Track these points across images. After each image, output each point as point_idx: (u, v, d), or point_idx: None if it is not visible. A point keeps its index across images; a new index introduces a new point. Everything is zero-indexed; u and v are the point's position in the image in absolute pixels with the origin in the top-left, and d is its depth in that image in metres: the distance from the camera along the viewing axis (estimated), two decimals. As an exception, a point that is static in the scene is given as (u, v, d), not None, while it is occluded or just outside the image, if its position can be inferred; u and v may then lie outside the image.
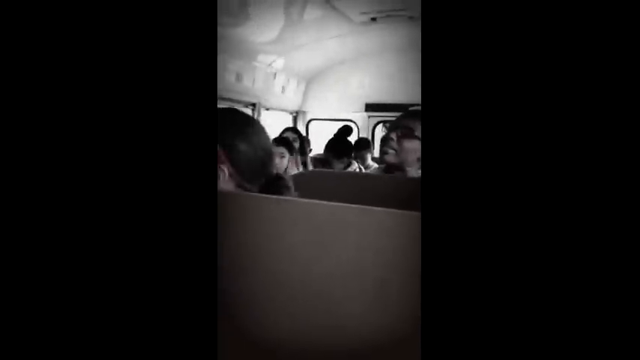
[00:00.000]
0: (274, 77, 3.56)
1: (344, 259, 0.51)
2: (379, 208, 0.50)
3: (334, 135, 2.78)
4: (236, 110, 0.83)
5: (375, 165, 3.29)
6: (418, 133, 1.13)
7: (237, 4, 2.37)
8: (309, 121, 4.26)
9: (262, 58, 3.22)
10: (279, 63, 3.42)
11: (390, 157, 1.17)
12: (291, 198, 0.56)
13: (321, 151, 3.64)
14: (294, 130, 2.92)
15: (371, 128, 4.09)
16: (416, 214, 0.47)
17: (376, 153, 3.47)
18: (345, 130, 2.84)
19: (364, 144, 3.33)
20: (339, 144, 2.65)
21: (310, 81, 4.11)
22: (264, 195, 0.71)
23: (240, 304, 0.56)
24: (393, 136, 1.17)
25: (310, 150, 3.82)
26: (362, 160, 3.21)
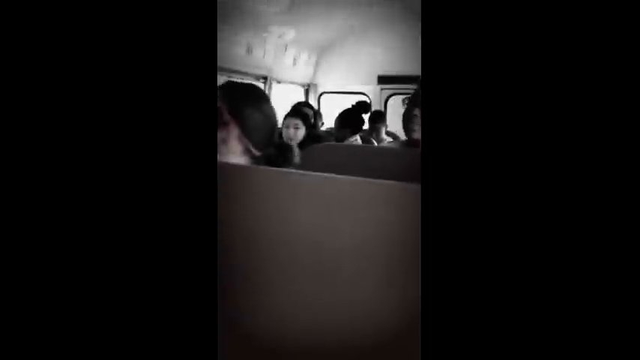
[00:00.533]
0: (285, 49, 3.51)
1: (347, 233, 0.50)
2: (383, 181, 0.49)
3: (351, 107, 2.71)
4: (241, 82, 0.86)
5: (389, 139, 3.26)
6: None
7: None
8: (321, 94, 4.21)
9: (273, 30, 3.17)
10: (290, 34, 3.36)
11: (418, 134, 1.17)
12: (294, 170, 0.55)
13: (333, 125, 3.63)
14: (307, 104, 2.89)
15: (383, 101, 4.04)
16: (417, 187, 0.46)
17: (390, 127, 3.43)
18: (363, 106, 2.78)
19: (378, 117, 3.29)
20: (355, 118, 2.61)
21: (322, 53, 4.05)
22: (265, 167, 0.71)
23: (241, 283, 0.56)
24: (417, 112, 1.16)
25: (322, 124, 3.80)
26: (376, 133, 3.18)
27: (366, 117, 2.88)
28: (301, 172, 0.54)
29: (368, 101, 3.03)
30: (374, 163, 0.81)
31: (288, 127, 2.33)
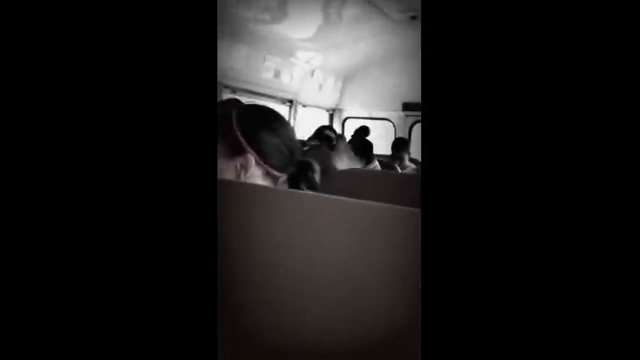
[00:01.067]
0: (312, 74, 3.58)
1: (343, 254, 0.50)
2: (381, 204, 0.49)
3: (351, 136, 2.77)
4: (254, 105, 0.86)
5: (413, 165, 3.25)
6: None
7: (276, 1, 2.40)
8: (346, 119, 4.26)
9: (300, 55, 3.24)
10: (316, 60, 3.43)
11: None
12: (293, 190, 0.56)
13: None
14: (329, 127, 2.92)
15: (408, 128, 4.05)
16: (416, 211, 0.46)
17: (414, 153, 3.43)
18: (362, 130, 2.82)
19: (402, 144, 3.30)
20: (359, 144, 2.65)
21: (347, 79, 4.11)
22: (263, 185, 0.73)
23: (240, 299, 0.56)
24: None
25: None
26: (400, 161, 3.18)
27: (388, 143, 2.91)
28: (296, 191, 0.55)
29: (389, 133, 3.06)
30: (391, 189, 0.82)
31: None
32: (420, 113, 3.93)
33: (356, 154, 2.57)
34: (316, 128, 2.85)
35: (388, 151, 3.27)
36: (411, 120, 4.03)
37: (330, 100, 4.07)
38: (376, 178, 0.89)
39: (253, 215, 0.54)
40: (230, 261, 0.55)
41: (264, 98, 3.19)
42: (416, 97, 3.94)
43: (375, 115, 4.14)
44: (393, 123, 4.07)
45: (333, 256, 0.51)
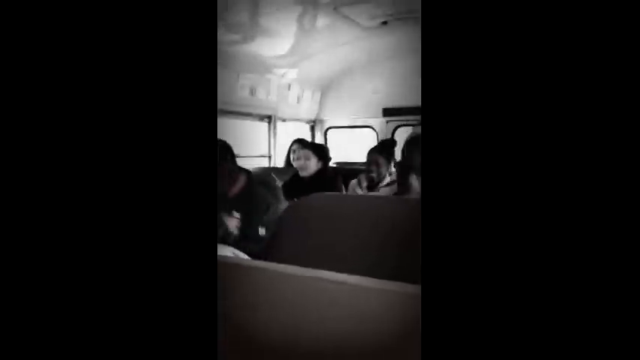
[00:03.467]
0: (289, 88, 3.55)
1: (337, 334, 0.47)
2: (377, 284, 0.45)
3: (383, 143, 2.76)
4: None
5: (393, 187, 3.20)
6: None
7: (248, 19, 2.37)
8: (327, 129, 4.23)
9: (276, 70, 3.22)
10: (292, 73, 3.41)
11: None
12: (286, 268, 0.53)
13: (339, 159, 3.62)
14: (299, 141, 2.91)
15: (390, 133, 4.03)
16: (416, 292, 0.42)
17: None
18: (391, 142, 2.81)
19: (387, 146, 3.22)
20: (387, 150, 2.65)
21: (325, 89, 4.09)
22: (257, 263, 0.70)
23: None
24: (414, 181, 1.12)
25: (330, 158, 3.79)
26: (379, 167, 3.12)
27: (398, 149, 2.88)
28: (287, 268, 0.52)
29: (371, 138, 3.05)
30: (369, 213, 0.78)
31: (299, 158, 2.41)
32: (400, 117, 3.92)
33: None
34: (290, 144, 2.80)
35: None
36: (392, 125, 4.02)
37: (309, 112, 4.05)
38: (356, 204, 0.85)
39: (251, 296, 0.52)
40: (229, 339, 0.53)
41: (241, 117, 3.15)
42: (395, 101, 3.93)
43: (356, 123, 4.12)
44: (375, 130, 4.05)
45: (326, 340, 0.47)
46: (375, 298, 0.44)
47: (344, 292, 0.46)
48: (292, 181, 2.46)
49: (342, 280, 0.46)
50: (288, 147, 2.96)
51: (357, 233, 0.60)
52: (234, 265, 0.59)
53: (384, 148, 3.21)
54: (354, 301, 0.45)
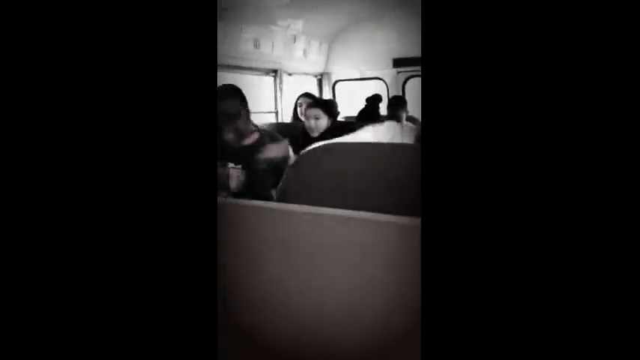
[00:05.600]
0: (294, 41, 3.42)
1: (345, 269, 0.48)
2: (382, 217, 0.46)
3: (365, 105, 2.74)
4: None
5: (410, 124, 3.13)
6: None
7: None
8: (335, 82, 4.11)
9: (280, 22, 3.08)
10: (298, 25, 3.27)
11: None
12: (294, 206, 0.52)
13: (349, 114, 3.53)
14: (307, 95, 2.83)
15: (401, 84, 3.91)
16: (416, 222, 0.44)
17: (410, 110, 3.30)
18: (378, 99, 2.75)
19: (397, 103, 3.15)
20: (371, 112, 2.65)
21: (333, 41, 3.94)
22: (263, 203, 0.68)
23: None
24: None
25: (339, 113, 3.70)
26: (398, 119, 3.05)
27: (383, 105, 2.83)
28: (294, 206, 0.52)
29: (381, 92, 3.01)
30: (375, 163, 0.73)
31: (308, 118, 2.28)
32: (412, 68, 3.78)
33: (361, 120, 2.55)
34: (296, 98, 2.75)
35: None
36: (403, 76, 3.88)
37: (316, 65, 3.92)
38: (367, 152, 0.81)
39: (252, 236, 0.53)
40: (229, 283, 0.54)
41: (245, 71, 3.05)
42: (406, 51, 3.78)
43: (366, 75, 3.99)
44: (385, 82, 3.92)
45: (331, 274, 0.49)
46: (382, 231, 0.47)
47: (353, 228, 0.48)
48: (300, 136, 2.39)
49: (351, 216, 0.48)
50: (294, 101, 2.88)
51: (364, 176, 0.61)
52: (240, 207, 0.59)
53: (400, 102, 3.14)
54: (362, 236, 0.47)
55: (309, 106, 2.31)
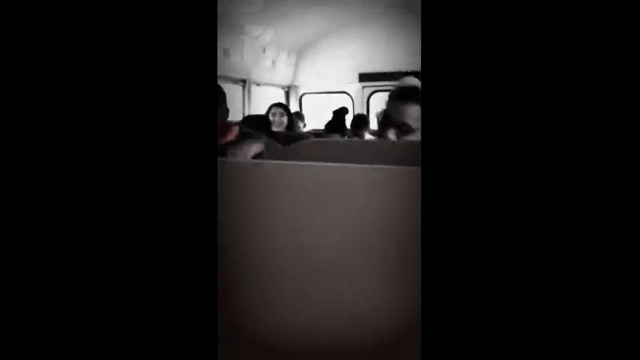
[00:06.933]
0: (264, 51, 3.45)
1: (346, 224, 0.49)
2: (377, 166, 0.47)
3: (332, 118, 2.88)
4: None
5: (374, 138, 3.21)
6: (413, 122, 1.10)
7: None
8: (302, 95, 4.16)
9: (250, 31, 3.10)
10: (268, 35, 3.30)
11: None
12: (288, 162, 0.53)
13: (315, 126, 3.58)
14: (280, 105, 2.94)
15: (366, 98, 4.00)
16: (416, 169, 0.45)
17: (374, 124, 3.39)
18: (344, 111, 2.90)
19: (361, 121, 3.25)
20: (337, 124, 2.84)
21: (301, 54, 3.99)
22: (259, 161, 0.69)
23: (242, 283, 0.55)
24: (392, 135, 1.12)
25: (304, 125, 3.74)
26: (360, 137, 3.13)
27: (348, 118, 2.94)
28: (297, 162, 0.52)
29: (347, 104, 3.13)
30: (363, 156, 0.77)
31: (274, 114, 2.72)
32: (377, 83, 3.89)
33: (329, 131, 2.81)
34: (267, 108, 2.84)
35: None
36: (368, 91, 3.98)
37: (284, 76, 3.95)
38: (349, 148, 0.84)
39: (256, 198, 0.53)
40: (230, 258, 0.54)
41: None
42: (371, 67, 3.89)
43: (331, 89, 4.06)
44: (350, 95, 4.00)
45: (328, 223, 0.49)
46: (383, 178, 0.48)
47: (355, 177, 0.49)
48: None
49: (355, 167, 0.49)
50: (265, 110, 2.91)
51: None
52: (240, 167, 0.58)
53: (363, 121, 3.23)
54: (366, 185, 0.49)
55: (275, 105, 2.81)
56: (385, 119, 1.16)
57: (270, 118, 2.69)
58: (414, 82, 1.25)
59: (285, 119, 2.72)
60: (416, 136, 1.10)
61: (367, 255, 0.49)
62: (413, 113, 1.09)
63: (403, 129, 1.09)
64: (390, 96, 1.21)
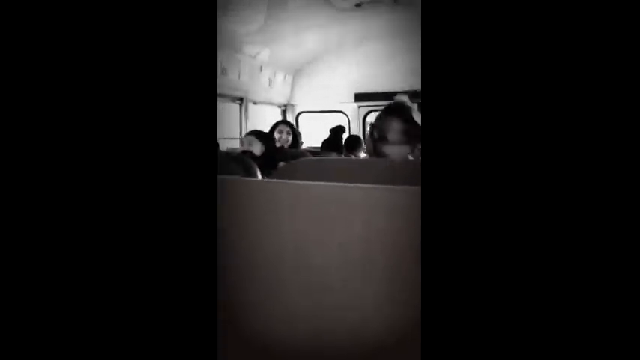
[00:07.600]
0: (260, 70, 3.48)
1: (345, 242, 0.49)
2: (379, 187, 0.48)
3: (329, 136, 2.89)
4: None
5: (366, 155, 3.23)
6: (395, 135, 1.15)
7: (218, -6, 2.30)
8: (299, 114, 4.19)
9: (247, 50, 3.14)
10: (264, 54, 3.34)
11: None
12: (291, 181, 0.54)
13: (311, 144, 3.59)
14: (287, 123, 2.96)
15: (362, 118, 4.03)
16: (416, 189, 0.45)
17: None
18: (341, 129, 2.91)
19: (355, 142, 3.27)
20: (334, 142, 2.83)
21: (297, 72, 4.04)
22: (263, 180, 0.69)
23: (242, 283, 0.55)
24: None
25: (301, 143, 3.76)
26: (355, 156, 3.15)
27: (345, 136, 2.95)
28: (299, 182, 0.53)
29: (343, 123, 3.15)
30: (360, 175, 0.77)
31: (281, 132, 2.73)
32: (372, 103, 3.92)
33: (326, 149, 2.79)
34: (273, 124, 2.86)
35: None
36: (364, 110, 4.01)
37: (281, 95, 3.99)
38: (347, 166, 0.85)
39: (251, 209, 0.53)
40: (228, 255, 0.54)
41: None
42: (367, 86, 3.93)
43: (327, 108, 4.09)
44: (346, 115, 4.03)
45: (333, 242, 0.50)
46: (384, 199, 0.49)
47: (357, 198, 0.50)
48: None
49: (355, 187, 0.51)
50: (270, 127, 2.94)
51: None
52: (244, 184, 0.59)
53: (355, 143, 3.25)
54: (365, 205, 0.49)
55: (282, 122, 2.85)
56: (371, 132, 1.20)
57: (276, 135, 2.70)
58: (404, 98, 1.29)
59: (290, 138, 2.74)
60: (399, 149, 1.15)
61: (367, 271, 0.49)
62: (395, 126, 1.15)
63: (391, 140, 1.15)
64: (379, 112, 1.25)
